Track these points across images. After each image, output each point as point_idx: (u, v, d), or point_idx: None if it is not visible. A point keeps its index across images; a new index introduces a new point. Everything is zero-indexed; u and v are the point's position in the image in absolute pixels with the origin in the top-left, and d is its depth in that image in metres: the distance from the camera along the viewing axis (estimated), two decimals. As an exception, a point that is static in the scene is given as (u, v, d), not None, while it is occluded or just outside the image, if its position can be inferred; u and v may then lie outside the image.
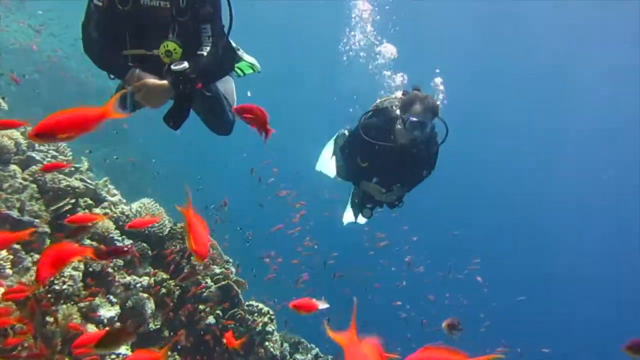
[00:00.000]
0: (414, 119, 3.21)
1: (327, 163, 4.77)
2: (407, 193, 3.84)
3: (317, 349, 6.18)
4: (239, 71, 3.06)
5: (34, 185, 4.12)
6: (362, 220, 4.59)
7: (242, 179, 9.29)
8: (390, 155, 3.43)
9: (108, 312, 3.97)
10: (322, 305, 2.40)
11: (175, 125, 2.41)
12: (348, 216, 4.83)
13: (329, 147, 4.74)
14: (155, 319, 4.50)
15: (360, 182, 3.73)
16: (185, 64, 2.13)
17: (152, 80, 2.16)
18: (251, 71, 3.12)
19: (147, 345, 4.40)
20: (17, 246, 3.53)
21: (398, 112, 3.45)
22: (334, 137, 4.69)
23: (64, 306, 3.61)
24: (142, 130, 16.38)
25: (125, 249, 3.67)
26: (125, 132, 14.20)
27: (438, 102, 3.42)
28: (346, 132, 4.51)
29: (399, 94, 3.67)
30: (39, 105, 13.12)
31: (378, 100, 3.88)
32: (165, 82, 2.17)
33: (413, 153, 3.40)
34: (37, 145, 4.63)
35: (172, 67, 2.14)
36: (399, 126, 3.38)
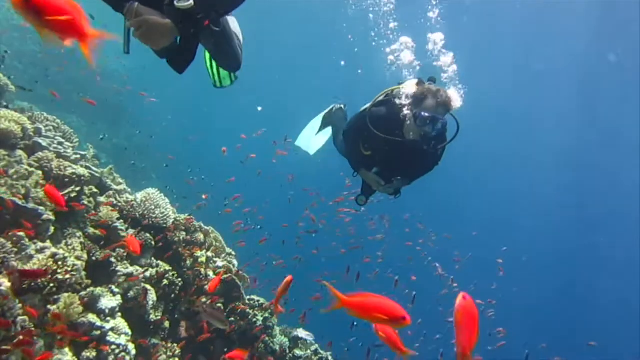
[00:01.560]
0: (426, 114, 3.05)
1: (309, 139, 4.64)
2: (407, 186, 3.67)
3: (316, 345, 6.18)
4: (216, 80, 2.85)
5: (40, 172, 4.09)
6: (311, 149, 4.56)
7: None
8: (396, 150, 3.27)
9: (110, 302, 3.96)
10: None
11: (180, 69, 2.17)
12: (303, 141, 4.70)
13: (316, 122, 4.60)
14: (156, 310, 4.50)
15: (359, 170, 3.58)
16: (191, 2, 1.82)
17: (154, 18, 1.86)
18: (229, 83, 2.89)
19: (148, 335, 4.41)
20: (21, 234, 3.51)
21: (407, 104, 3.23)
22: (323, 112, 4.55)
23: (66, 295, 3.60)
24: (147, 113, 16.40)
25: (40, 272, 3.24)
26: (132, 115, 14.23)
27: (453, 97, 3.16)
28: (342, 107, 4.43)
29: (411, 83, 3.40)
30: (46, 86, 13.11)
31: (388, 89, 3.63)
32: (168, 20, 1.87)
33: (422, 149, 3.20)
34: (44, 130, 4.60)
35: (176, 4, 1.82)
36: (409, 121, 3.19)
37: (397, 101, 3.29)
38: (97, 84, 14.63)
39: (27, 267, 3.32)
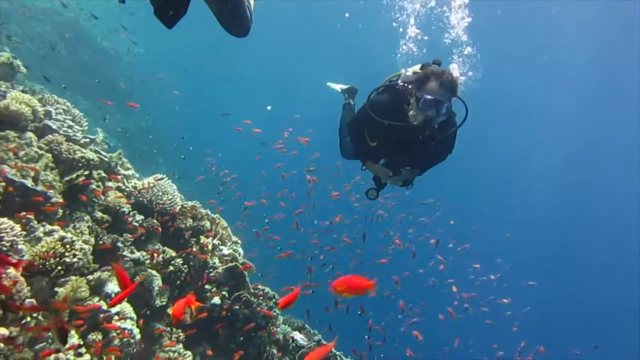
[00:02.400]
0: (429, 97, 2.83)
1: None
2: (419, 176, 3.48)
3: (319, 335, 6.21)
4: None
5: (50, 155, 4.09)
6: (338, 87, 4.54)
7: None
8: (400, 136, 3.06)
9: (116, 286, 3.98)
10: None
11: (169, 22, 1.89)
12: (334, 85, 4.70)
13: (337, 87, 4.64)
14: (162, 296, 4.52)
15: (366, 162, 3.42)
16: None
17: None
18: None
19: (153, 321, 4.44)
20: (30, 216, 3.52)
21: (410, 88, 3.04)
22: (342, 87, 4.55)
23: (73, 278, 3.62)
24: (154, 99, 16.41)
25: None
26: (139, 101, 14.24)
27: (458, 78, 2.97)
28: (351, 102, 4.34)
29: (415, 68, 3.20)
30: (55, 67, 13.13)
31: (393, 75, 3.47)
32: None
33: (426, 135, 3.00)
34: (54, 113, 4.60)
35: None
36: (411, 105, 2.98)
37: (400, 83, 3.11)
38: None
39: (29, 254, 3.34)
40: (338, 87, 4.56)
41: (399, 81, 3.16)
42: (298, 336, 5.17)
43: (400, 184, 3.39)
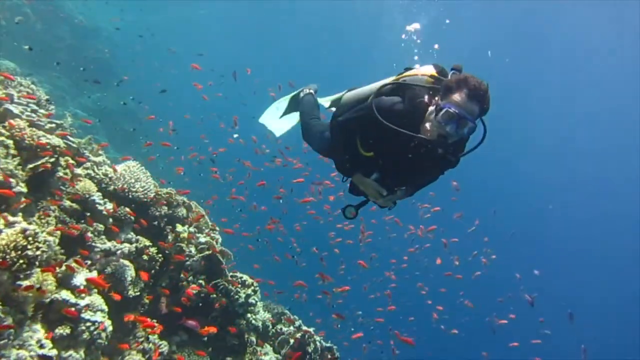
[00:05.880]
0: (453, 109, 2.28)
1: (274, 119, 3.90)
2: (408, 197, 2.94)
3: (300, 321, 6.20)
4: None
5: (11, 142, 3.88)
6: (277, 131, 3.83)
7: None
8: (406, 149, 2.49)
9: (85, 278, 3.86)
10: None
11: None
12: (268, 120, 3.95)
13: (282, 103, 3.92)
14: (135, 286, 4.42)
15: (353, 174, 2.79)
16: None
17: None
18: None
19: (127, 311, 4.35)
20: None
21: (431, 93, 2.48)
22: (290, 95, 3.87)
23: (39, 271, 3.49)
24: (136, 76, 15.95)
25: None
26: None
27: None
28: (313, 92, 3.68)
29: (426, 69, 2.67)
30: (30, 41, 12.59)
31: (401, 75, 2.83)
32: None
33: (437, 154, 2.45)
34: (16, 97, 4.35)
35: None
36: (429, 114, 2.42)
37: (417, 88, 2.53)
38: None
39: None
40: (283, 123, 3.91)
41: (416, 83, 2.59)
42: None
43: (392, 205, 2.85)
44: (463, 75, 2.38)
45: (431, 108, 2.41)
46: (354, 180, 2.80)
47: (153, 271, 4.65)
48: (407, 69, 2.80)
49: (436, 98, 2.40)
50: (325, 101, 3.71)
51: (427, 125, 2.41)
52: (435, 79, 2.55)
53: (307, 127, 3.33)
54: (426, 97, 2.46)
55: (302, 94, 3.67)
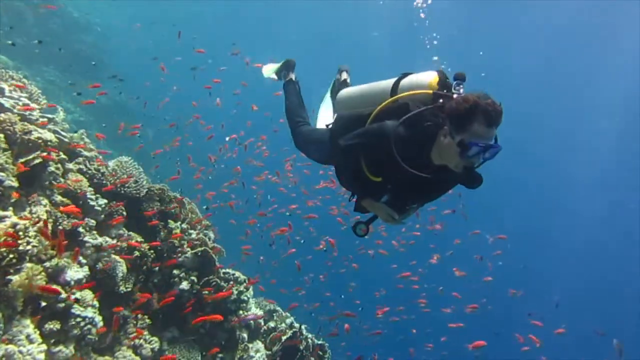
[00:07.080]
0: (481, 144, 2.13)
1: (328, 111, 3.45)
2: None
3: (292, 318, 6.22)
4: None
5: (2, 135, 3.85)
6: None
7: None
8: (420, 179, 2.33)
9: (76, 273, 3.85)
10: None
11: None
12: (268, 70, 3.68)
13: (327, 102, 3.49)
14: (126, 282, 4.40)
15: (362, 198, 2.64)
16: None
17: None
18: None
19: (117, 305, 4.33)
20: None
21: (445, 126, 2.24)
22: (329, 88, 3.48)
23: (29, 265, 3.47)
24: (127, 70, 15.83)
25: None
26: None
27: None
28: (292, 77, 3.44)
29: (426, 77, 2.47)
30: (23, 35, 12.45)
31: (404, 93, 2.51)
32: None
33: (455, 176, 2.38)
34: (7, 90, 4.32)
35: None
36: (448, 147, 2.22)
37: (422, 112, 2.33)
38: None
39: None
40: (272, 71, 3.68)
41: (429, 115, 2.33)
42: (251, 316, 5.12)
43: (405, 222, 2.73)
44: (472, 100, 2.17)
45: (446, 140, 2.22)
46: (364, 204, 2.66)
47: (145, 267, 4.64)
48: (404, 75, 2.61)
49: (446, 127, 2.21)
50: (329, 109, 3.39)
51: (453, 164, 2.25)
52: (436, 95, 2.36)
53: (297, 135, 3.09)
54: (432, 119, 2.29)
55: (337, 83, 3.31)
